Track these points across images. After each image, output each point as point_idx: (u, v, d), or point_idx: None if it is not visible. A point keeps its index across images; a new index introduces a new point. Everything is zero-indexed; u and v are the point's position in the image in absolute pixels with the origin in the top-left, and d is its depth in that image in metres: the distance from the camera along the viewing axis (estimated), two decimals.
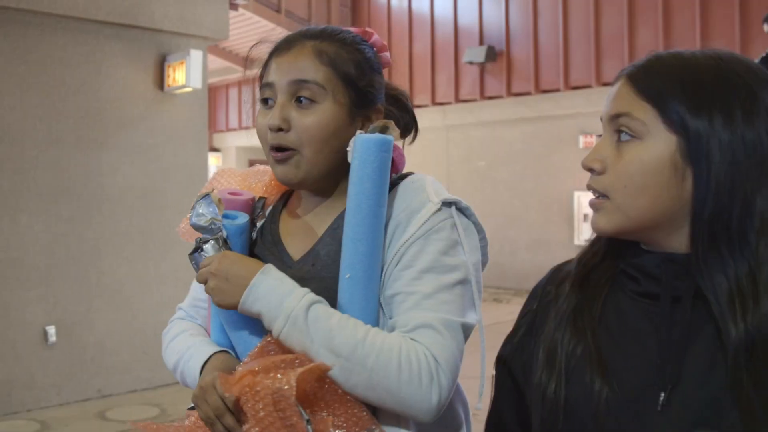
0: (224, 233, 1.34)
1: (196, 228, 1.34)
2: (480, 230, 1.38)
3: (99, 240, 5.94)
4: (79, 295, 5.85)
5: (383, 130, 1.33)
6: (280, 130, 1.34)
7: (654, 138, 1.03)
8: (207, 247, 1.33)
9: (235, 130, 16.98)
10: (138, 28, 6.10)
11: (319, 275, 1.33)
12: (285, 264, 1.38)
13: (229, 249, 1.34)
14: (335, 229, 1.37)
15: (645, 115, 1.03)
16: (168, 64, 6.18)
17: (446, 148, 13.41)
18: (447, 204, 1.32)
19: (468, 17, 12.87)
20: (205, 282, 1.31)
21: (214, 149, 17.25)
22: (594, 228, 1.12)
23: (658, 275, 1.07)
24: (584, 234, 11.63)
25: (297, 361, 1.20)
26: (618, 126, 1.07)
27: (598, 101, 11.14)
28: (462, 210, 1.34)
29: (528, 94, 12.08)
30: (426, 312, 1.23)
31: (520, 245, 12.47)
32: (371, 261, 1.27)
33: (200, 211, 1.34)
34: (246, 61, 1.52)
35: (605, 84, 11.15)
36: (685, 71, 1.03)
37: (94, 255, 5.92)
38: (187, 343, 1.46)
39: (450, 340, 1.22)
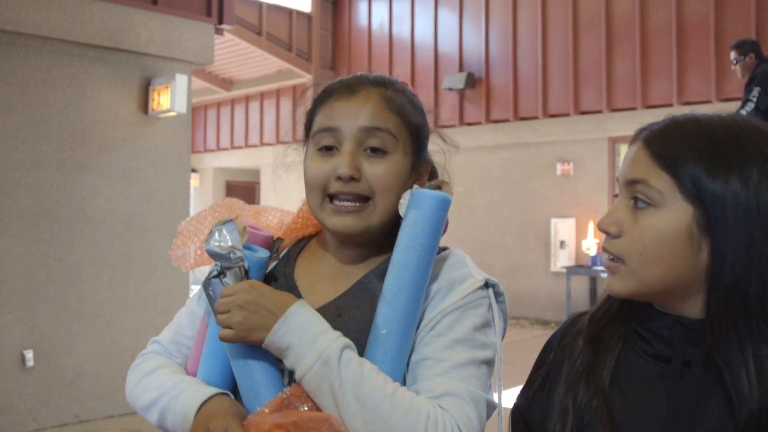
0: (245, 264, 1.28)
1: (212, 254, 1.27)
2: (505, 319, 1.36)
3: (79, 263, 5.89)
4: (58, 319, 5.78)
5: (437, 188, 1.30)
6: (352, 179, 1.28)
7: (670, 207, 1.05)
8: (229, 275, 1.26)
9: (213, 151, 16.93)
10: (122, 51, 6.10)
11: (345, 327, 1.26)
12: None
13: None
14: (366, 284, 1.33)
15: (662, 184, 1.05)
16: (153, 87, 6.17)
17: None
18: (487, 284, 1.31)
19: (448, 44, 12.98)
20: (224, 312, 1.23)
21: (192, 170, 17.17)
22: (608, 290, 1.14)
23: (668, 338, 1.09)
24: (560, 261, 11.72)
25: (326, 426, 1.13)
26: (634, 192, 1.08)
27: (576, 129, 11.28)
28: (497, 294, 1.33)
29: (506, 121, 12.17)
30: (455, 381, 1.20)
31: (496, 271, 12.49)
32: (409, 320, 1.23)
33: (218, 237, 1.27)
34: (294, 104, 1.45)
35: (583, 112, 11.29)
36: (702, 137, 1.05)
37: (75, 278, 5.86)
38: (172, 379, 1.35)
39: (475, 413, 1.19)
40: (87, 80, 5.94)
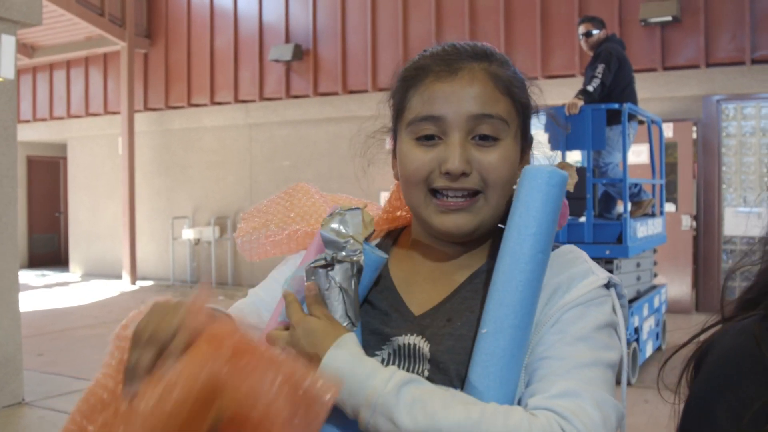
0: (361, 260, 1.11)
1: (326, 241, 1.12)
2: (626, 323, 1.20)
3: None
4: None
5: None
6: (462, 174, 1.12)
7: None
8: (337, 268, 1.10)
9: None
10: None
11: (457, 333, 1.11)
12: (402, 316, 1.17)
13: (358, 281, 1.12)
14: (477, 283, 1.17)
15: None
16: None
17: (249, 147, 13.07)
18: (610, 283, 1.16)
19: (274, 14, 12.60)
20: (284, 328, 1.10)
21: None
22: None
23: None
24: None
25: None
26: None
27: None
28: (619, 296, 1.17)
29: (335, 94, 12.04)
30: (576, 381, 1.02)
31: None
32: (521, 318, 1.06)
33: (338, 222, 1.12)
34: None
35: None
36: None
37: None
38: None
39: (599, 417, 0.99)
40: None
